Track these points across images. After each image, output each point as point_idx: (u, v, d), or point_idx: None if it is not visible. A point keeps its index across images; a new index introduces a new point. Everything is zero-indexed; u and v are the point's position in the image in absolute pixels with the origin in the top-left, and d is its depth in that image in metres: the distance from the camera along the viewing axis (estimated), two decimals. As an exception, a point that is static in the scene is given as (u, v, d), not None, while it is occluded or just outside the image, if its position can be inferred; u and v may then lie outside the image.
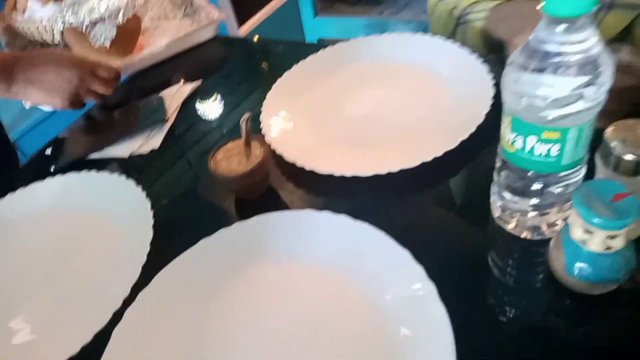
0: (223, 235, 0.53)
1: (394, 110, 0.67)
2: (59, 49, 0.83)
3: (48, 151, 0.74)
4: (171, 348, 0.46)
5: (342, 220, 0.51)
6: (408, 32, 0.77)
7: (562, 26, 0.36)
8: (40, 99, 0.70)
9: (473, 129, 0.57)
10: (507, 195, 0.47)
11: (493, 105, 0.59)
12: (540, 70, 0.37)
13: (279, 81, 0.73)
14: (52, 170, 0.70)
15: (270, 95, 0.71)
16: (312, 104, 0.70)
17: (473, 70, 0.66)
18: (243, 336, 0.46)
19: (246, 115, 0.55)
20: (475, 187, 0.54)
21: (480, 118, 0.58)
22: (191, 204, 0.63)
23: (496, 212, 0.50)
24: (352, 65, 0.76)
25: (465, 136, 0.56)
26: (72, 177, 0.65)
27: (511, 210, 0.48)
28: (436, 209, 0.55)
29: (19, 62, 0.67)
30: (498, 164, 0.47)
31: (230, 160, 0.56)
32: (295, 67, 0.75)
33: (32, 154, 0.77)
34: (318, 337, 0.44)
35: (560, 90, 0.37)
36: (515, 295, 0.44)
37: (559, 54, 0.36)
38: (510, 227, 0.48)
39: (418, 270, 0.45)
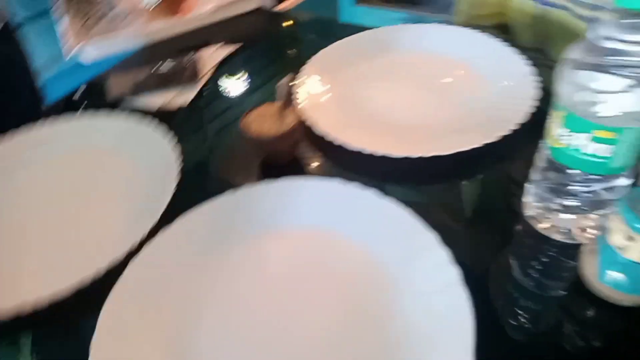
0: (246, 193, 0.52)
1: (432, 99, 0.66)
2: None
3: (77, 95, 0.74)
4: (181, 293, 0.45)
5: (370, 195, 0.50)
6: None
7: (629, 21, 0.35)
8: None
9: (513, 126, 0.55)
10: (545, 193, 0.46)
11: (535, 104, 0.57)
12: (599, 66, 0.36)
13: (316, 56, 0.73)
14: (80, 110, 0.70)
15: (306, 67, 0.70)
16: (347, 82, 0.69)
17: (517, 68, 0.65)
18: (250, 298, 0.45)
19: (287, 79, 0.54)
20: (509, 183, 0.53)
21: (521, 116, 0.56)
22: (216, 162, 0.62)
23: (529, 210, 0.48)
24: (392, 51, 0.74)
25: (504, 132, 0.55)
26: (100, 118, 0.65)
27: (545, 210, 0.46)
28: (465, 199, 0.54)
29: None
30: (539, 161, 0.46)
31: (263, 123, 0.55)
32: (334, 45, 0.75)
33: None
34: (329, 307, 0.43)
35: (617, 87, 0.36)
36: (538, 297, 0.43)
37: (620, 51, 0.35)
38: (541, 226, 0.47)
39: (443, 254, 0.44)
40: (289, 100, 0.55)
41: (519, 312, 0.42)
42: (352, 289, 0.45)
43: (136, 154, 0.60)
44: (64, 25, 0.82)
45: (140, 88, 0.72)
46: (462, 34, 0.74)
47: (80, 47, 0.73)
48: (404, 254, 0.46)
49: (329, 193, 0.51)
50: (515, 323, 0.41)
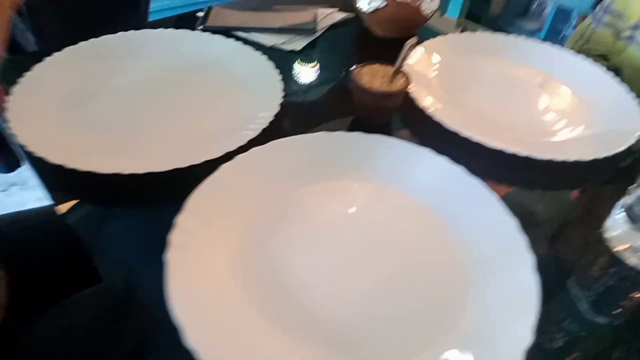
0: (340, 136, 0.54)
1: (537, 108, 0.67)
2: None
3: (200, 13, 0.78)
4: (258, 207, 0.48)
5: (459, 171, 0.51)
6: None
7: None
8: None
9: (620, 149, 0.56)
10: (633, 217, 0.46)
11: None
12: None
13: (439, 37, 0.75)
14: (200, 28, 0.74)
15: (427, 43, 0.73)
16: (457, 69, 0.71)
17: (625, 102, 0.65)
18: (323, 232, 0.47)
19: (412, 40, 0.56)
20: (598, 200, 0.53)
21: (626, 142, 0.57)
22: (315, 105, 0.65)
23: (612, 231, 0.48)
24: (507, 59, 0.75)
25: (609, 153, 0.55)
26: (218, 38, 0.69)
27: (630, 233, 0.46)
28: (551, 206, 0.54)
29: None
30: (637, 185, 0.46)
31: (374, 78, 0.58)
32: (458, 34, 0.77)
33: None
34: (396, 268, 0.45)
35: None
36: (589, 320, 0.43)
37: None
38: (619, 248, 0.47)
39: (521, 240, 0.44)
40: (402, 64, 0.57)
41: (578, 325, 0.42)
42: (424, 255, 0.46)
43: (246, 75, 0.64)
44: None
45: (259, 26, 0.76)
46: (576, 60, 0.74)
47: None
48: (482, 233, 0.46)
49: (419, 159, 0.53)
50: (571, 334, 0.41)
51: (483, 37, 0.79)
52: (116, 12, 0.91)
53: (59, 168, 0.47)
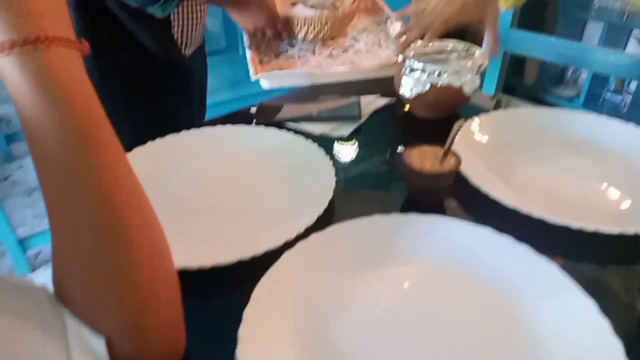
0: (396, 219, 0.55)
1: (594, 178, 0.65)
2: None
3: (253, 109, 0.84)
4: (318, 293, 0.48)
5: (523, 249, 0.50)
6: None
7: None
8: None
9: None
10: None
11: None
12: None
13: (486, 115, 0.77)
14: (254, 123, 0.79)
15: (475, 120, 0.75)
16: (507, 145, 0.72)
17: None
18: (375, 313, 0.47)
19: (461, 122, 0.57)
20: None
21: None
22: (368, 188, 0.67)
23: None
24: (553, 132, 0.75)
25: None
26: (272, 130, 0.73)
27: None
28: (626, 279, 0.51)
29: None
30: None
31: (424, 160, 0.59)
32: (508, 111, 0.79)
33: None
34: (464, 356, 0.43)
35: None
36: None
37: None
38: None
39: (604, 324, 0.41)
40: (452, 144, 0.58)
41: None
42: (489, 339, 0.44)
43: (300, 164, 0.66)
44: (248, 56, 0.95)
45: (307, 116, 0.80)
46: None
47: (258, 77, 0.84)
48: (557, 317, 0.44)
49: (480, 239, 0.52)
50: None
51: (526, 112, 0.79)
52: (181, 113, 1.00)
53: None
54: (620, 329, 0.41)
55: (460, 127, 0.57)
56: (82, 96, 0.33)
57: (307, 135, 0.73)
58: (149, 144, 0.70)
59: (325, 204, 0.56)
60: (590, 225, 0.52)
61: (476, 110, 0.78)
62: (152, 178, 0.64)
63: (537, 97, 2.81)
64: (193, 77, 1.03)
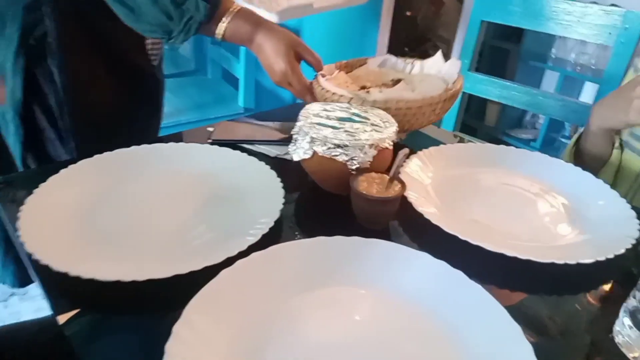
0: (338, 242, 0.55)
1: (532, 213, 0.68)
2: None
3: (210, 128, 0.84)
4: (254, 314, 0.47)
5: (457, 275, 0.51)
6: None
7: None
8: (266, 63, 0.80)
9: (611, 255, 0.55)
10: (642, 320, 0.44)
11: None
12: None
13: (431, 149, 0.79)
14: (209, 141, 0.79)
15: (420, 153, 0.77)
16: (450, 178, 0.74)
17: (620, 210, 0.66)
18: (313, 337, 0.46)
19: (405, 151, 0.59)
20: (603, 304, 0.52)
21: (623, 245, 0.57)
22: (316, 211, 0.68)
23: (621, 336, 0.47)
24: (498, 167, 0.79)
25: (602, 257, 0.55)
26: (225, 150, 0.74)
27: (638, 339, 0.45)
28: (554, 308, 0.53)
29: (264, 25, 0.79)
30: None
31: (371, 186, 0.60)
32: (450, 146, 0.81)
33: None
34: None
35: None
36: None
37: None
38: (633, 356, 0.45)
39: (527, 348, 0.43)
40: (398, 171, 0.60)
41: None
42: None
43: (250, 184, 0.67)
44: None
45: (262, 138, 0.81)
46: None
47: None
48: (485, 340, 0.45)
49: (417, 263, 0.53)
50: None
51: (477, 148, 0.83)
52: (136, 126, 0.99)
53: (63, 276, 0.48)
54: (541, 354, 0.42)
55: (405, 155, 0.59)
56: None
57: (261, 157, 0.74)
58: (97, 157, 0.69)
59: (270, 223, 0.57)
60: (523, 255, 0.55)
61: (433, 144, 0.81)
62: (96, 192, 0.64)
63: (496, 138, 2.93)
64: (162, 89, 1.03)
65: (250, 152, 0.75)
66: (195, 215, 0.62)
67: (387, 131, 0.64)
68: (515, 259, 0.55)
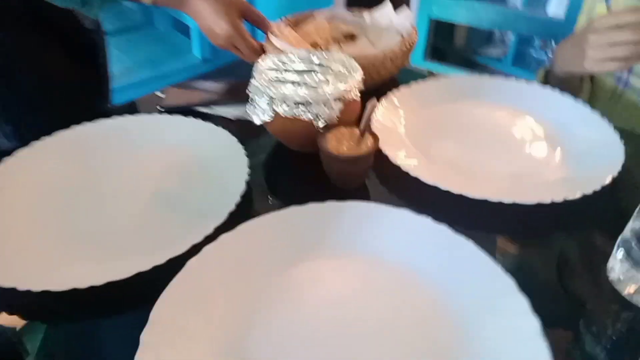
0: (311, 209, 0.51)
1: (512, 150, 0.65)
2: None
3: (159, 93, 0.76)
4: (233, 297, 0.44)
5: (443, 230, 0.48)
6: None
7: None
8: (205, 27, 0.71)
9: (600, 184, 0.53)
10: (636, 255, 0.42)
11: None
12: None
13: (399, 91, 0.73)
14: (159, 108, 0.72)
15: (389, 98, 0.71)
16: (424, 121, 0.69)
17: (603, 132, 0.63)
18: (298, 316, 0.43)
19: (373, 102, 0.54)
20: (596, 240, 0.50)
21: (609, 175, 0.54)
22: (286, 174, 0.63)
23: (615, 273, 0.45)
24: (472, 100, 0.74)
25: (590, 190, 0.52)
26: (178, 119, 0.67)
27: (633, 274, 0.43)
28: (545, 252, 0.51)
29: None
30: (635, 220, 0.43)
31: (340, 143, 0.55)
32: (415, 84, 0.75)
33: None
34: (388, 343, 0.41)
35: None
36: None
37: None
38: (627, 291, 0.43)
39: (522, 302, 0.40)
40: (368, 124, 0.55)
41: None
42: (415, 326, 0.42)
43: (208, 156, 0.61)
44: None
45: (221, 98, 0.74)
46: (542, 92, 0.73)
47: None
48: (477, 297, 0.43)
49: (398, 222, 0.50)
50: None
51: (449, 82, 0.78)
52: (79, 97, 0.90)
53: (11, 290, 0.43)
54: (538, 306, 0.40)
55: (374, 106, 0.54)
56: None
57: (220, 121, 0.67)
58: (35, 145, 0.61)
59: (236, 199, 0.52)
60: (508, 199, 0.52)
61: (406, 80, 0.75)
62: (38, 187, 0.57)
63: (467, 58, 2.86)
64: (104, 47, 0.92)
65: (207, 117, 0.68)
66: (152, 202, 0.56)
67: (353, 80, 0.58)
68: (500, 203, 0.51)
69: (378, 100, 0.58)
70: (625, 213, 0.46)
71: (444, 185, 0.53)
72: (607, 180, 0.53)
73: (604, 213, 0.55)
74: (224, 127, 0.64)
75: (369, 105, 0.54)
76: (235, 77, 0.82)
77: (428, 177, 0.55)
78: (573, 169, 0.59)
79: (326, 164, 0.56)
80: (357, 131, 0.56)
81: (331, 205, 0.51)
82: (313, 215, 0.51)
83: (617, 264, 0.45)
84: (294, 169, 0.64)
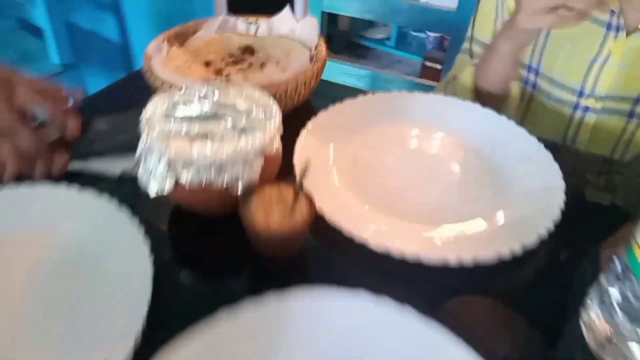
0: (246, 313, 0.40)
1: (447, 182, 0.59)
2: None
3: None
4: None
5: (408, 317, 0.40)
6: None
7: None
8: None
9: (550, 226, 0.49)
10: (616, 315, 0.39)
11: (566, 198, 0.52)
12: None
13: (315, 120, 0.63)
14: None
15: (306, 134, 0.60)
16: (355, 153, 0.61)
17: (538, 156, 0.60)
18: None
19: (304, 166, 0.43)
20: (555, 294, 0.46)
21: (554, 213, 0.51)
22: (199, 254, 0.49)
23: (588, 332, 0.41)
24: (398, 121, 0.67)
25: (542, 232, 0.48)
26: (43, 190, 0.50)
27: (613, 334, 0.39)
28: (507, 312, 0.46)
29: None
30: (611, 272, 0.40)
31: (269, 211, 0.44)
32: (332, 108, 0.66)
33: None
34: None
35: None
36: None
37: None
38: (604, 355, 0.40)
39: None
40: (301, 185, 0.45)
41: None
42: None
43: (96, 242, 0.46)
44: None
45: (93, 151, 0.57)
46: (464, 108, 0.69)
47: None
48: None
49: (350, 307, 0.41)
50: None
51: (369, 102, 0.69)
52: None
53: None
54: None
55: (306, 166, 0.44)
56: None
57: (103, 183, 0.52)
58: None
59: (138, 323, 0.37)
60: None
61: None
62: None
63: (352, 41, 2.87)
64: None
65: (84, 178, 0.52)
66: (16, 333, 0.39)
67: (271, 122, 0.47)
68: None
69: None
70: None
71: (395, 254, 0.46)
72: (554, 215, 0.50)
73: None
74: (110, 194, 0.49)
75: (299, 169, 0.43)
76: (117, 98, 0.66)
77: (371, 239, 0.46)
78: (518, 205, 0.54)
79: (253, 238, 0.45)
80: (284, 191, 0.46)
81: (271, 300, 0.40)
82: (249, 322, 0.39)
83: (590, 320, 0.41)
84: (212, 241, 0.50)
